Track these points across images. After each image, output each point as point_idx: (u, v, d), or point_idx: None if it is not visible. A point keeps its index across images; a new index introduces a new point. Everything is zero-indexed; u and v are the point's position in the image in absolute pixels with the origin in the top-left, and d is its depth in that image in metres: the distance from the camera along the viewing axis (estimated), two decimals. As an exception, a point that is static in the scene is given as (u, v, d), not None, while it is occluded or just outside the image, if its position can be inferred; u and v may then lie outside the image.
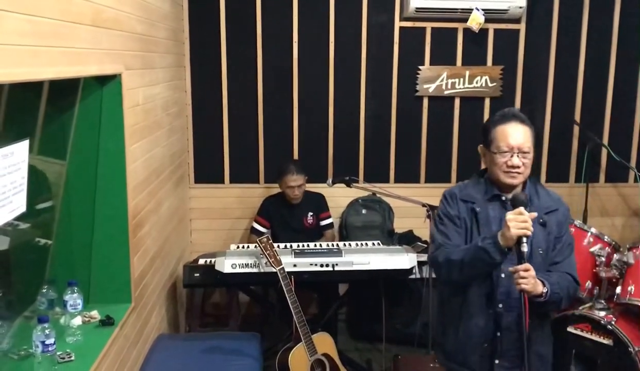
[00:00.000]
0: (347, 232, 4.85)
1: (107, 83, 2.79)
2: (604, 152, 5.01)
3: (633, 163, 5.04)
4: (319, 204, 4.58)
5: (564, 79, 4.94)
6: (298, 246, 3.83)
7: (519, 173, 2.33)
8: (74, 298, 2.58)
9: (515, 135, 2.32)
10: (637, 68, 4.95)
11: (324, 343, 3.47)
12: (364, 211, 4.90)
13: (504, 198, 2.39)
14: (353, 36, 4.73)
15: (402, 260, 3.65)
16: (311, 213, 4.51)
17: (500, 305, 2.36)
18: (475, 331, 2.40)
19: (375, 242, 4.09)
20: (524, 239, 2.18)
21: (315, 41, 4.71)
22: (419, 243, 4.53)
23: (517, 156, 2.31)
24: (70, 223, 2.87)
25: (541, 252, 2.35)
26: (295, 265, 3.54)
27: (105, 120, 2.83)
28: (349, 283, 4.15)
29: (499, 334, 2.37)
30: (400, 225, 4.89)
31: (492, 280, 2.34)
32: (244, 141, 4.80)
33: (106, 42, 2.64)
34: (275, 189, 4.57)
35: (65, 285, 2.63)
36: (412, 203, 3.91)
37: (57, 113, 2.72)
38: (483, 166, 2.53)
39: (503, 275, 2.34)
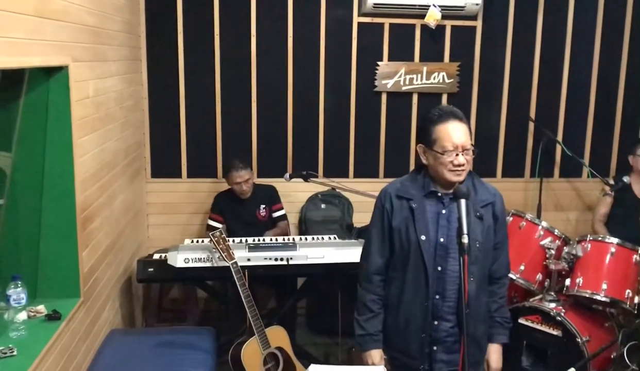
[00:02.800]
0: (306, 226, 4.86)
1: (54, 74, 2.76)
2: (559, 148, 5.10)
3: (586, 159, 5.14)
4: (271, 196, 4.57)
5: (519, 76, 5.02)
6: (253, 240, 3.83)
7: (463, 170, 2.37)
8: (17, 293, 2.55)
9: (458, 134, 2.34)
10: (591, 65, 5.05)
11: (278, 336, 3.47)
12: (323, 206, 4.92)
13: (439, 194, 2.43)
14: (311, 31, 4.74)
15: (357, 253, 3.65)
16: (264, 206, 4.50)
17: (437, 296, 2.41)
18: (413, 320, 2.45)
19: (332, 236, 4.11)
20: (464, 230, 2.20)
21: (273, 35, 4.71)
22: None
23: (462, 154, 2.34)
24: (17, 216, 2.83)
25: (478, 245, 2.39)
26: (249, 260, 3.54)
27: (52, 112, 2.80)
28: (305, 277, 4.16)
29: (436, 323, 2.43)
30: (359, 220, 4.91)
31: (427, 272, 2.40)
32: (201, 135, 4.78)
33: (51, 33, 2.61)
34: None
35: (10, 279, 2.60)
36: (370, 198, 3.93)
37: (3, 104, 2.68)
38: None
39: (440, 268, 2.40)
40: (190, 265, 3.51)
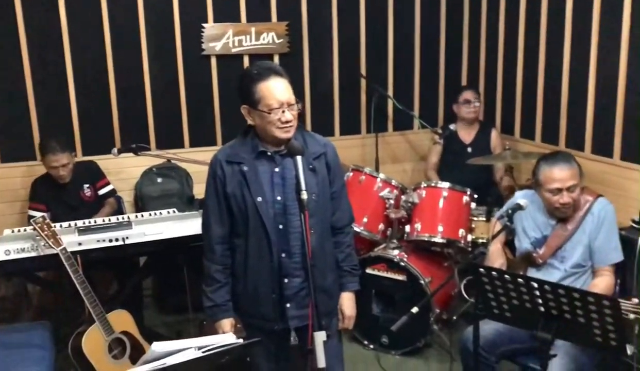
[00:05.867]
0: (142, 203, 4.59)
1: None
2: (390, 102, 5.26)
3: (416, 111, 5.36)
4: (93, 173, 4.27)
5: (347, 34, 5.06)
6: (83, 223, 3.55)
7: (292, 126, 2.35)
8: None
9: (281, 90, 2.32)
10: (414, 18, 5.22)
11: (122, 321, 3.27)
12: (159, 180, 4.66)
13: (269, 153, 2.41)
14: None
15: (198, 224, 3.51)
16: (87, 185, 4.18)
17: (284, 254, 2.40)
18: (262, 283, 2.44)
19: (171, 210, 3.92)
20: (303, 187, 2.18)
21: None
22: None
23: (287, 110, 2.32)
24: None
25: (314, 197, 2.39)
26: (80, 244, 3.27)
27: None
28: (146, 256, 3.94)
29: (286, 280, 2.42)
30: (200, 191, 4.68)
31: (268, 232, 2.38)
32: (12, 115, 4.32)
33: None
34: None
35: None
36: (207, 166, 3.78)
37: None
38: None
39: (281, 226, 2.39)
40: (13, 256, 3.17)
